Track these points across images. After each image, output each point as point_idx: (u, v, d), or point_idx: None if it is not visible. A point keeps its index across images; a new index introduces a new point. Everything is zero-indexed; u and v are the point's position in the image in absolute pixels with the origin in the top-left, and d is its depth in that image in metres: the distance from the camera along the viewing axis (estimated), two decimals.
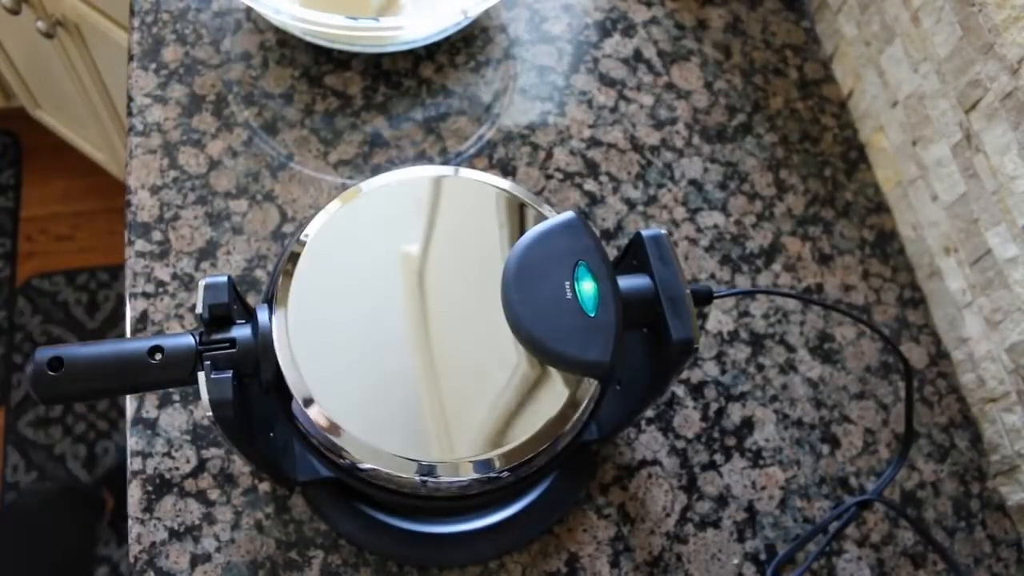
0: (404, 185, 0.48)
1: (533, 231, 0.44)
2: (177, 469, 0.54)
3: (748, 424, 0.61)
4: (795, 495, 0.59)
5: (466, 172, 0.49)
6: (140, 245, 0.61)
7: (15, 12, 1.09)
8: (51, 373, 0.39)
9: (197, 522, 0.53)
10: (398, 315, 0.44)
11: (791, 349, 0.64)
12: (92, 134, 1.42)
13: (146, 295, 0.59)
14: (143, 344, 0.41)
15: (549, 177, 0.68)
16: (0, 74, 1.42)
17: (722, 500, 0.58)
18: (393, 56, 0.71)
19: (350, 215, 0.47)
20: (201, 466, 0.55)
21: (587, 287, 0.43)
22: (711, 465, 0.59)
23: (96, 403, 1.47)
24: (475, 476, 0.41)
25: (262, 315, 0.43)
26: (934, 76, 0.63)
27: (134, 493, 0.53)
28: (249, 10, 0.72)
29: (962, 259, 0.63)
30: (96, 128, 1.36)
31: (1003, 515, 0.61)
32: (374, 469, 0.41)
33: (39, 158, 1.66)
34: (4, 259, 1.57)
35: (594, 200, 0.68)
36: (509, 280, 0.43)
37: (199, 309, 0.42)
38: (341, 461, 0.42)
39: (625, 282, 0.45)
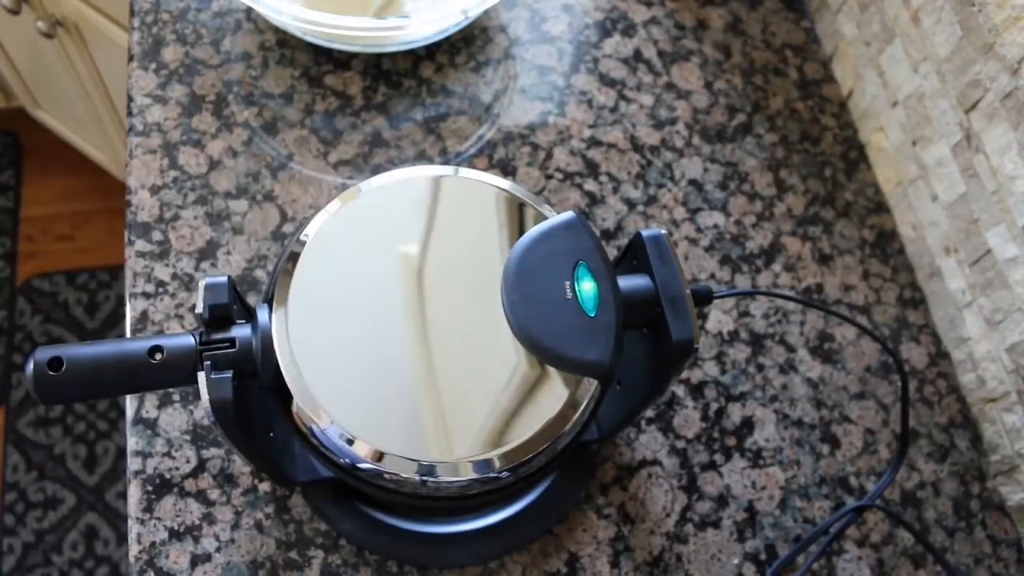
0: (404, 185, 0.48)
1: (533, 231, 0.44)
2: (177, 469, 0.54)
3: (748, 424, 0.61)
4: (795, 495, 0.59)
5: (466, 172, 0.49)
6: (140, 245, 0.61)
7: (15, 12, 1.09)
8: (51, 373, 0.39)
9: (197, 522, 0.53)
10: (398, 315, 0.44)
11: (791, 349, 0.64)
12: (92, 134, 1.42)
13: (146, 295, 0.59)
14: (143, 344, 0.41)
15: (549, 177, 0.68)
16: (0, 74, 1.42)
17: (722, 500, 0.58)
18: (393, 56, 0.71)
19: (350, 215, 0.47)
20: (201, 466, 0.55)
21: (587, 287, 0.43)
22: (711, 465, 0.59)
23: (96, 403, 1.47)
24: (475, 476, 0.41)
25: (262, 315, 0.43)
26: (934, 76, 0.63)
27: (134, 493, 0.53)
28: (249, 10, 0.72)
29: (962, 259, 0.63)
30: (96, 128, 1.36)
31: (1003, 515, 0.61)
32: (374, 469, 0.41)
33: (39, 158, 1.66)
34: (4, 259, 1.57)
35: (594, 200, 0.68)
36: (509, 280, 0.43)
37: (199, 309, 0.42)
38: (341, 461, 0.42)
39: (625, 282, 0.45)
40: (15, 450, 1.42)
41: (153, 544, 0.52)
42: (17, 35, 1.23)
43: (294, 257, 0.45)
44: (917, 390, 0.64)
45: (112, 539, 1.38)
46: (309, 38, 0.68)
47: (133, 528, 0.53)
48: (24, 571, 1.34)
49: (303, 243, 0.46)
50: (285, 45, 0.71)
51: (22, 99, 1.48)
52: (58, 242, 1.60)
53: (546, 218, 0.46)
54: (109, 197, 1.63)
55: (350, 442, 0.41)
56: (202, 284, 0.42)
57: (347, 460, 0.42)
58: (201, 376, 0.41)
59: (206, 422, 0.56)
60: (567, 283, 0.43)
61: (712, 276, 0.66)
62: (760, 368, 0.63)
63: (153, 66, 0.68)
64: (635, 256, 0.48)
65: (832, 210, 0.70)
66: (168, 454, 0.55)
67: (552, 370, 0.44)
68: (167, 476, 0.54)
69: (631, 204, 0.68)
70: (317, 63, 0.70)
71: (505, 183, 0.49)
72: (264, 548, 0.53)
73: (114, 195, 1.62)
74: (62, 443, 1.44)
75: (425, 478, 0.41)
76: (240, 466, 0.55)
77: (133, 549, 0.52)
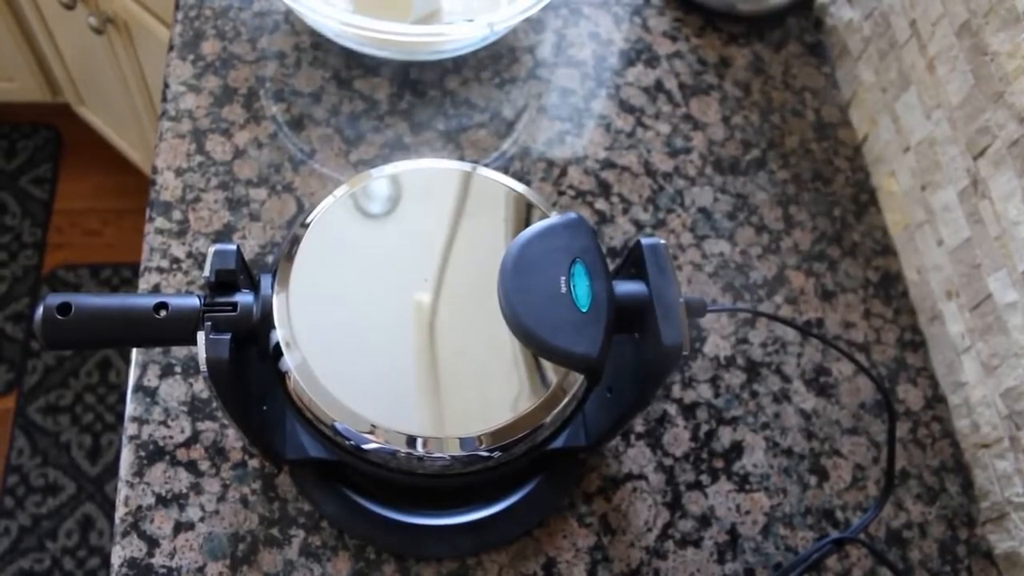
0: (417, 174, 0.50)
1: (535, 226, 0.46)
2: (171, 438, 0.56)
3: (737, 448, 0.61)
4: (779, 522, 0.59)
5: (483, 171, 0.51)
6: (160, 222, 0.63)
7: (70, 7, 1.14)
8: (59, 317, 0.41)
9: (184, 491, 0.54)
10: (398, 297, 0.45)
11: (786, 379, 0.64)
12: (130, 133, 1.46)
13: (160, 270, 0.61)
14: (150, 300, 0.43)
15: (561, 193, 0.70)
16: (50, 69, 1.48)
17: (705, 520, 0.58)
18: (421, 66, 0.74)
19: (357, 198, 0.49)
20: (195, 437, 0.56)
21: (582, 284, 0.44)
22: (697, 485, 0.59)
23: (106, 396, 1.49)
24: (459, 453, 0.42)
25: (265, 283, 0.45)
26: (945, 123, 0.64)
27: (127, 457, 0.55)
28: (288, 13, 0.75)
29: (963, 303, 0.63)
30: (135, 127, 1.40)
31: (990, 563, 0.60)
32: (364, 438, 0.42)
33: (78, 154, 1.71)
34: (33, 248, 1.61)
35: (604, 219, 0.69)
36: (507, 270, 0.44)
37: (206, 272, 0.44)
38: (330, 432, 0.43)
39: (621, 286, 0.46)
40: (22, 434, 1.44)
41: (139, 508, 0.53)
42: (69, 31, 1.28)
43: (301, 235, 0.47)
44: (911, 431, 0.64)
45: (107, 530, 1.39)
46: (343, 41, 0.70)
47: (122, 491, 0.54)
48: (18, 554, 1.35)
49: (311, 222, 0.47)
50: (319, 48, 0.73)
51: (68, 95, 1.53)
52: (86, 236, 1.64)
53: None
54: (141, 197, 1.66)
55: (342, 412, 0.42)
56: (211, 250, 0.44)
57: (337, 430, 0.43)
58: (201, 336, 0.42)
59: (204, 395, 0.57)
60: (563, 278, 0.44)
61: (713, 301, 0.67)
62: (754, 395, 0.63)
63: (191, 57, 0.71)
64: (634, 264, 0.49)
65: (839, 248, 0.71)
66: (164, 423, 0.56)
67: (542, 363, 0.45)
68: (160, 444, 0.55)
69: (640, 225, 0.69)
70: (348, 67, 0.73)
71: (519, 186, 0.51)
72: (247, 522, 0.54)
73: (145, 196, 1.65)
74: (69, 431, 1.46)
75: (411, 451, 0.42)
76: (232, 441, 0.56)
77: (119, 511, 0.53)
